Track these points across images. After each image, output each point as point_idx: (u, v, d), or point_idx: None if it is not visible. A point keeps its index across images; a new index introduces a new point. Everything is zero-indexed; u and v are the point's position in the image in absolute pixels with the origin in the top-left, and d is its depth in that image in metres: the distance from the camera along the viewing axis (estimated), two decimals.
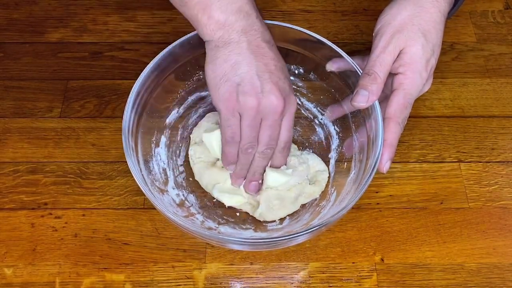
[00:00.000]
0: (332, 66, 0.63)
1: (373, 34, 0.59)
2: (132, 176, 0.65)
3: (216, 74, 0.53)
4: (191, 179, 0.65)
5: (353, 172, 0.61)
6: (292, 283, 0.60)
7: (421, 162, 0.68)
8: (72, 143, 0.69)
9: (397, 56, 0.57)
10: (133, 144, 0.58)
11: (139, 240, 0.62)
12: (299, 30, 0.62)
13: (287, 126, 0.57)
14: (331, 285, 0.60)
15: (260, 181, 0.62)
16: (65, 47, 0.78)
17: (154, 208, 0.64)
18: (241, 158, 0.59)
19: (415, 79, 0.57)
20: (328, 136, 0.68)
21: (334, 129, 0.68)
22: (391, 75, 0.58)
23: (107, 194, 0.65)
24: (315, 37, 0.61)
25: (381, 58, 0.57)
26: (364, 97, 0.56)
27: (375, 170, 0.54)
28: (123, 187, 0.66)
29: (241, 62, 0.51)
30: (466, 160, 0.69)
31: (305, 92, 0.70)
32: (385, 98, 0.59)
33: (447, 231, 0.63)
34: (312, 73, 0.67)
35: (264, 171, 0.61)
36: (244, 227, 0.62)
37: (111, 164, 0.67)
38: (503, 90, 0.75)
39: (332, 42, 0.61)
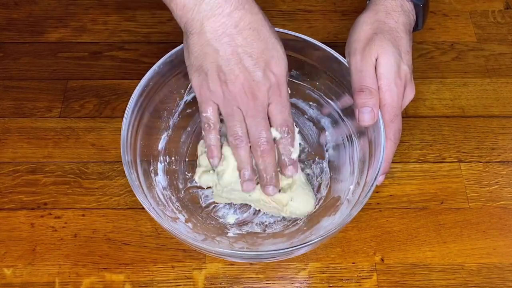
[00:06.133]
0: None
1: (346, 57, 0.61)
2: None
3: (188, 63, 0.52)
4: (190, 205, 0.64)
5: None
6: (292, 283, 0.60)
7: (421, 162, 0.68)
8: (71, 143, 0.69)
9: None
10: (136, 176, 0.57)
11: (139, 240, 0.62)
12: (291, 34, 0.62)
13: (276, 109, 0.54)
14: (331, 285, 0.60)
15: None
16: (64, 47, 0.78)
17: None
18: (234, 154, 0.56)
19: (391, 89, 0.58)
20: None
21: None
22: None
23: (106, 194, 0.65)
24: (311, 41, 0.62)
25: (365, 71, 0.58)
26: (369, 114, 0.56)
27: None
28: (122, 187, 0.66)
29: (206, 54, 0.50)
30: (466, 160, 0.69)
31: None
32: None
33: (447, 231, 0.63)
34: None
35: (276, 171, 0.57)
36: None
37: (111, 164, 0.67)
38: (503, 90, 0.75)
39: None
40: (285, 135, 0.56)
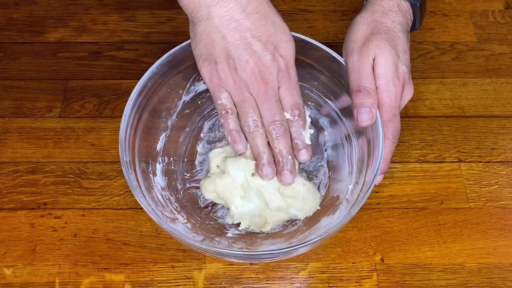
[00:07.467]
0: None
1: (343, 57, 0.61)
2: None
3: (196, 53, 0.52)
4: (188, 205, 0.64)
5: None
6: (292, 283, 0.60)
7: (421, 162, 0.68)
8: (71, 143, 0.69)
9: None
10: (135, 178, 0.56)
11: (139, 240, 0.62)
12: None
13: (286, 92, 0.53)
14: (331, 285, 0.60)
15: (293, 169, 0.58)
16: (64, 47, 0.78)
17: None
18: (251, 142, 0.56)
19: (389, 89, 0.58)
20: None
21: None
22: None
23: (106, 194, 0.65)
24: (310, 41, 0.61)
25: (362, 72, 0.58)
26: (367, 114, 0.56)
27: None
28: (122, 187, 0.66)
29: (214, 41, 0.50)
30: (466, 160, 0.68)
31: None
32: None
33: (447, 231, 0.63)
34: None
35: (292, 154, 0.57)
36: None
37: (111, 164, 0.67)
38: (503, 90, 0.74)
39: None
40: (297, 118, 0.55)
